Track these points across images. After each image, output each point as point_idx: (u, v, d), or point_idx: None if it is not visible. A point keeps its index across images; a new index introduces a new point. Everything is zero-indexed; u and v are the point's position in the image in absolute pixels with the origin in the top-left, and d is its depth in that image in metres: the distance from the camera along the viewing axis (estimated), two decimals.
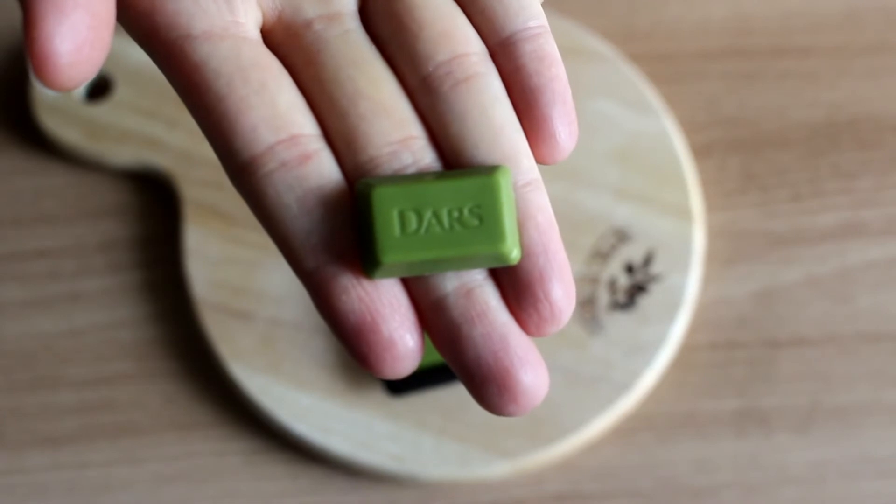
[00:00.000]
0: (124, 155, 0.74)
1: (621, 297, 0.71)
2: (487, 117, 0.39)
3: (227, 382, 0.70)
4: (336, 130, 0.39)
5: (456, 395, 0.68)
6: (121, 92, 0.75)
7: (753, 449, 0.69)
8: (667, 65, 0.77)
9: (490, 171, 0.39)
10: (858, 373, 0.70)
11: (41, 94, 0.75)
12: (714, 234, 0.73)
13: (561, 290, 0.39)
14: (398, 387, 0.68)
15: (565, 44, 0.76)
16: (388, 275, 0.39)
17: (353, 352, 0.38)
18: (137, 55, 0.74)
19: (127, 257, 0.73)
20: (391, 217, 0.38)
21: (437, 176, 0.39)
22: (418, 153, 0.39)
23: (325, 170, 0.39)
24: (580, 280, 0.71)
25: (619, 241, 0.72)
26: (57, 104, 0.75)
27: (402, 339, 0.38)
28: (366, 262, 0.38)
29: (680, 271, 0.71)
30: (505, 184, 0.38)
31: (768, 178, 0.74)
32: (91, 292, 0.73)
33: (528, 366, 0.38)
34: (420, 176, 0.39)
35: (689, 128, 0.76)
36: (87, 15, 0.37)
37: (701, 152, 0.75)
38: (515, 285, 0.39)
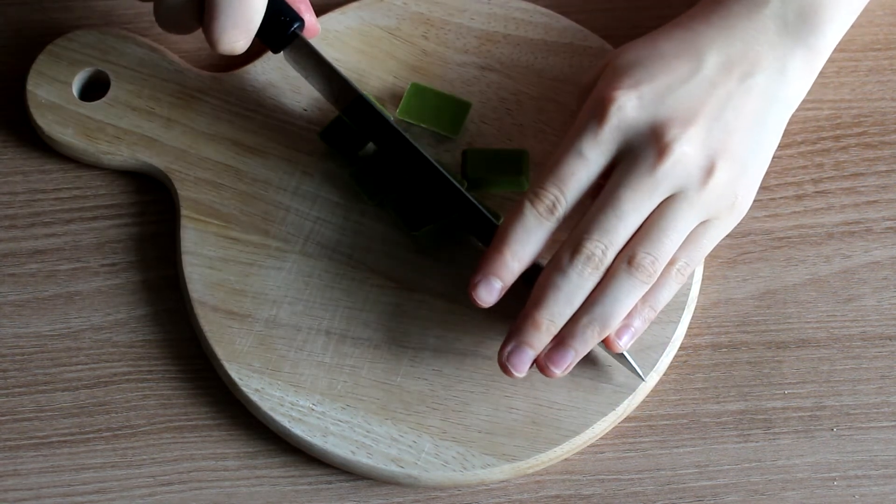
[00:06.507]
0: (120, 154, 0.74)
1: None
2: None
3: (224, 384, 0.70)
4: None
5: (456, 396, 0.68)
6: (116, 90, 0.74)
7: (757, 451, 0.68)
8: None
9: None
10: (863, 374, 0.70)
11: (36, 92, 0.74)
12: None
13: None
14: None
15: (567, 43, 0.76)
16: None
17: None
18: (133, 52, 0.74)
19: (123, 258, 0.73)
20: None
21: None
22: None
23: None
24: None
25: None
26: (52, 103, 0.74)
27: None
28: None
29: None
30: None
31: (772, 177, 0.74)
32: (87, 293, 0.72)
33: None
34: None
35: None
36: None
37: None
38: None
